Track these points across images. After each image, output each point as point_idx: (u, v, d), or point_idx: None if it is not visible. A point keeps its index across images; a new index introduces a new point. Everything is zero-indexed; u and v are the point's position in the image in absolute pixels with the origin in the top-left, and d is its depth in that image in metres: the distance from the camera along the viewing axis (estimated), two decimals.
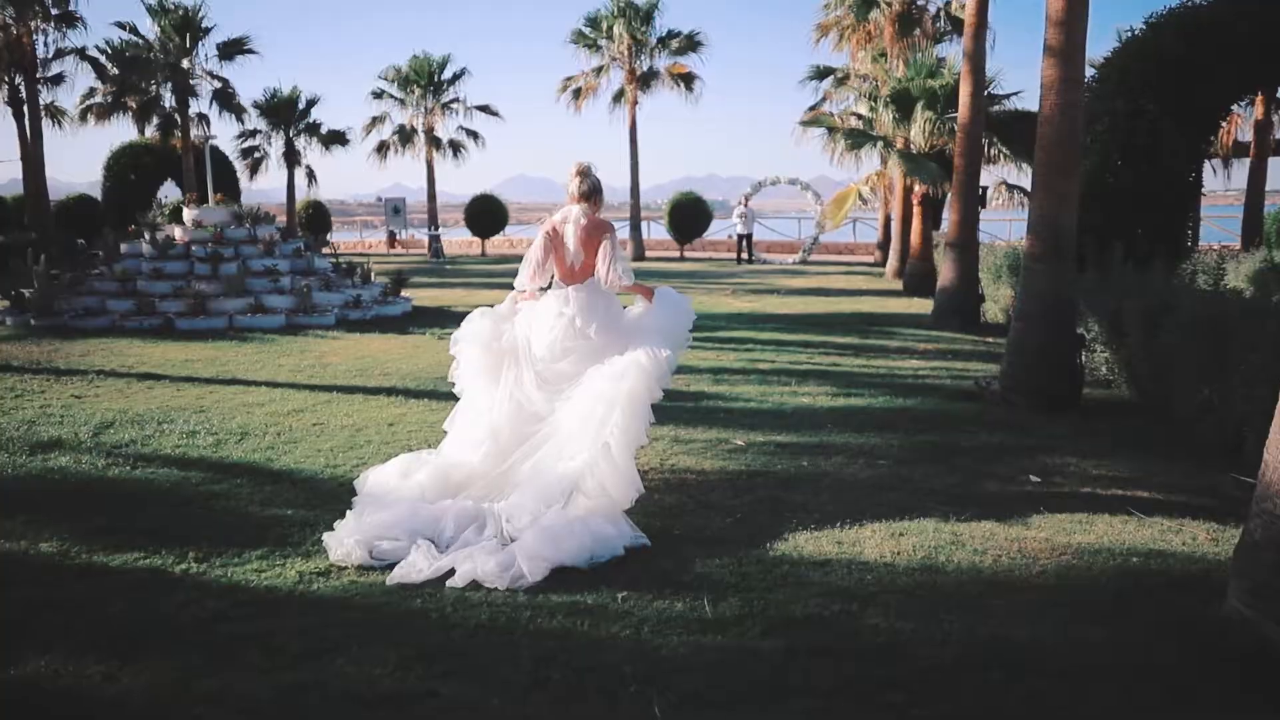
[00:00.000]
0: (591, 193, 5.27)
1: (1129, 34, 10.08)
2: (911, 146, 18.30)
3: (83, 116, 28.39)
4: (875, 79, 19.10)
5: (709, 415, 7.33)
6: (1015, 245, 13.85)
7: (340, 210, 55.88)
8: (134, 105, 26.47)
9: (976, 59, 12.78)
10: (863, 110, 19.64)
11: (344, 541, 4.32)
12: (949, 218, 13.23)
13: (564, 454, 4.77)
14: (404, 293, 15.84)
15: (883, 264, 24.63)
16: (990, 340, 11.69)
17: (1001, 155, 16.40)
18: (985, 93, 12.93)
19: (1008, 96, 17.03)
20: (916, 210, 18.54)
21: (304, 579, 4.10)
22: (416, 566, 4.13)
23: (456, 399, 5.36)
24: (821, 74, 25.65)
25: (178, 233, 14.21)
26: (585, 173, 5.30)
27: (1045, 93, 7.81)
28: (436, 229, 31.47)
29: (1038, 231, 7.95)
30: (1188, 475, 5.81)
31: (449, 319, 13.88)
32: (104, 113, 27.71)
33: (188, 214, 14.49)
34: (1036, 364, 7.90)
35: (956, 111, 16.65)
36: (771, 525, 4.81)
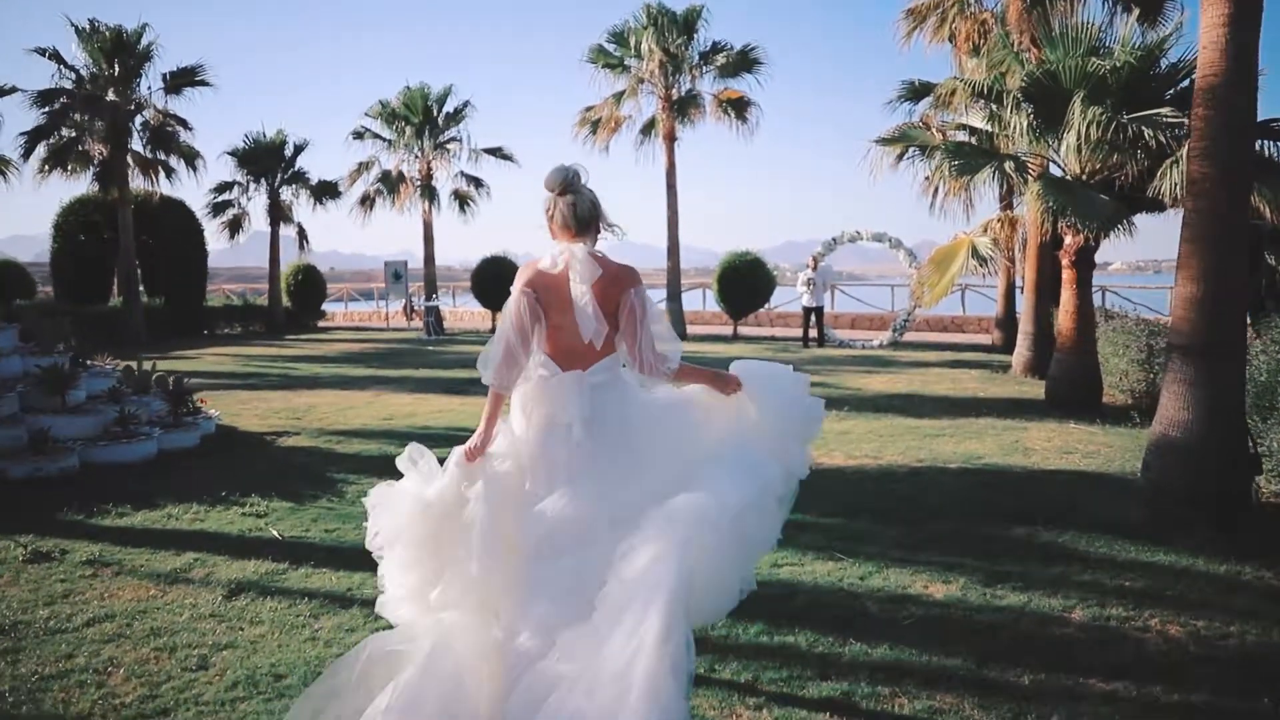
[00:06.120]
0: (592, 215, 3.18)
1: None
2: (1058, 169, 11.37)
3: (41, 168, 23.69)
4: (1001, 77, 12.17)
5: None
6: None
7: (368, 277, 51.16)
8: (45, 151, 21.52)
9: None
10: (976, 121, 12.71)
11: None
12: (1176, 292, 6.30)
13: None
14: (215, 409, 9.69)
15: (1004, 349, 17.39)
16: None
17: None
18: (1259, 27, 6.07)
19: None
20: (1067, 273, 11.50)
21: None
22: None
23: None
24: (917, 92, 17.94)
25: None
26: (570, 184, 3.17)
27: None
28: (433, 299, 25.44)
29: None
30: None
31: (198, 483, 7.28)
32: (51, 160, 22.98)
33: None
34: None
35: (1140, 110, 9.79)
36: None
